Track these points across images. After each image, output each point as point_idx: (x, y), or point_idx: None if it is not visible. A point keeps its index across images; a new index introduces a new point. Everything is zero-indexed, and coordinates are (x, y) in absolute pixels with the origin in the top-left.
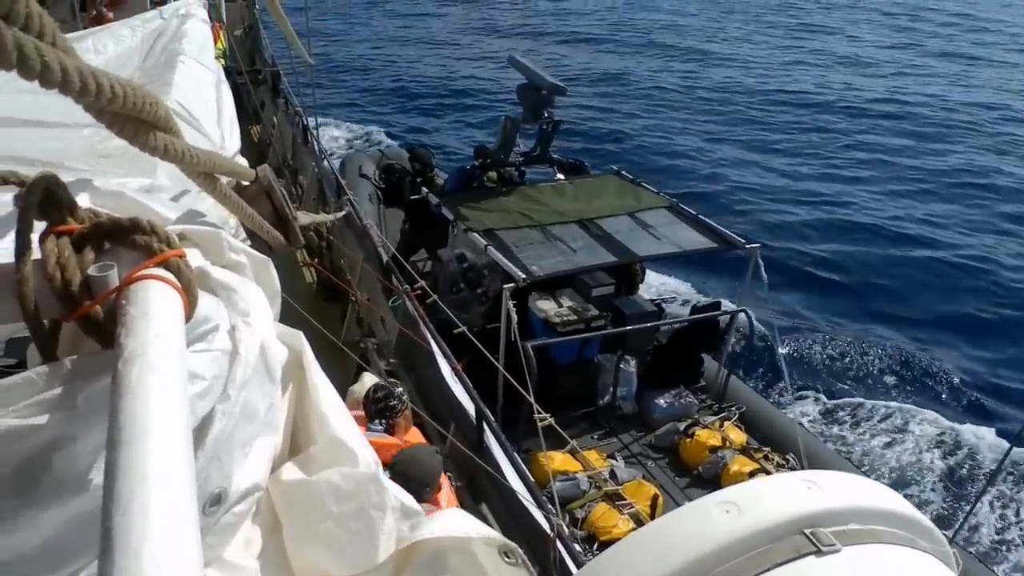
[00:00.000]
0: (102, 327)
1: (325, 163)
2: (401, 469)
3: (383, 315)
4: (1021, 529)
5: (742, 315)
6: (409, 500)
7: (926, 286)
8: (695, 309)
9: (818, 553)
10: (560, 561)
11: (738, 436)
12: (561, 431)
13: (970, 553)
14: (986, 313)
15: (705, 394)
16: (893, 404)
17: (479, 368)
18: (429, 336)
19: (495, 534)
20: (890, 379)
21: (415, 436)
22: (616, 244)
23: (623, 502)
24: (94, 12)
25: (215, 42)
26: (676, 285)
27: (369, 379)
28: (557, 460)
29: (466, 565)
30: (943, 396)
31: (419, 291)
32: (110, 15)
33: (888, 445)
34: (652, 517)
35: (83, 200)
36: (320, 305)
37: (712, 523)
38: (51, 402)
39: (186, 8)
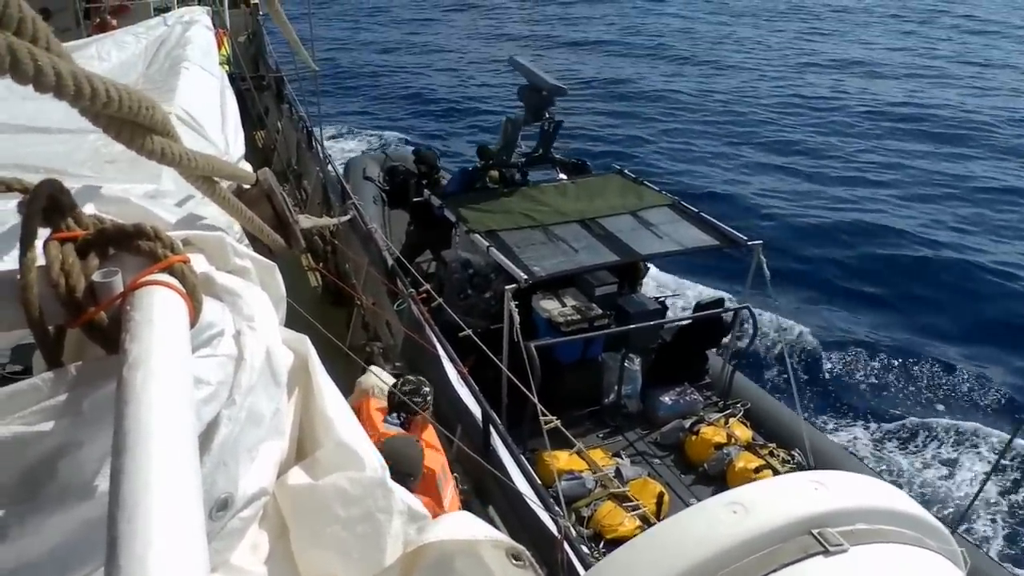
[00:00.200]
0: (107, 333)
1: (329, 168)
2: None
3: (388, 319)
4: None
5: (745, 311)
6: (416, 503)
7: (956, 290)
8: (698, 306)
9: (826, 553)
10: (568, 563)
11: (743, 432)
12: (568, 433)
13: (977, 547)
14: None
15: (710, 391)
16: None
17: (484, 369)
18: (435, 339)
19: (502, 537)
20: (919, 386)
21: (431, 437)
22: (618, 243)
23: (630, 503)
24: (98, 20)
25: (219, 48)
26: (684, 283)
27: (376, 371)
28: (562, 459)
29: (473, 568)
30: (979, 401)
31: (424, 294)
32: (114, 22)
33: (902, 446)
34: (658, 514)
35: (87, 206)
36: (325, 309)
37: (719, 524)
38: (56, 408)
39: (190, 15)
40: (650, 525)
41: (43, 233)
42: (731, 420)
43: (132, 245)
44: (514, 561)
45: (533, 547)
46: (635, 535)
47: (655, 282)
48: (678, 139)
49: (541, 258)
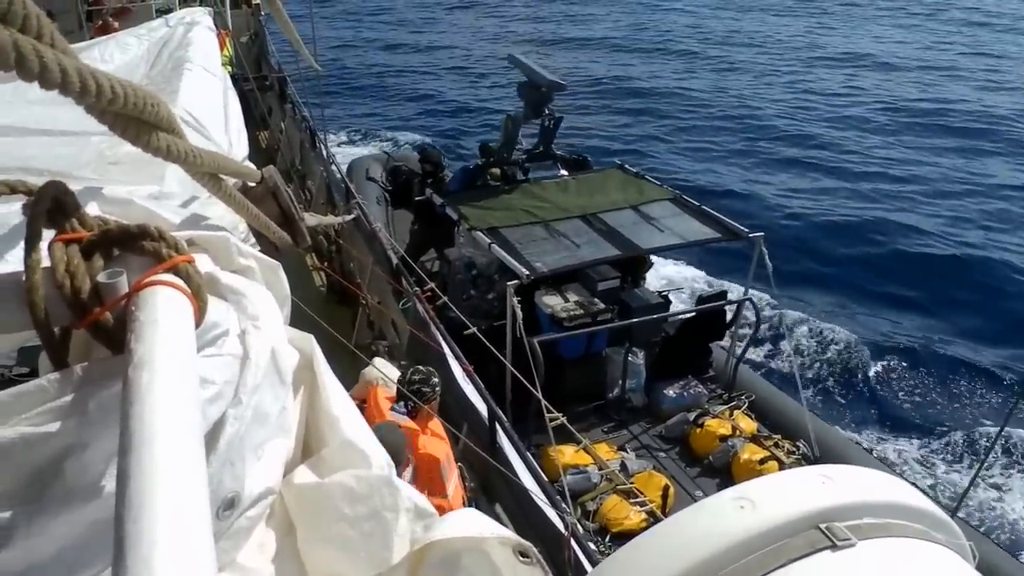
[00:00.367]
0: (112, 333)
1: (333, 167)
2: None
3: (393, 317)
4: None
5: (748, 304)
6: (422, 501)
7: (982, 288)
8: (701, 299)
9: (833, 548)
10: (575, 560)
11: (748, 424)
12: (573, 430)
13: (987, 536)
14: None
15: (714, 384)
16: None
17: (488, 366)
18: (440, 337)
19: (510, 534)
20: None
21: (437, 427)
22: (620, 237)
23: (635, 498)
24: (100, 22)
25: (221, 49)
26: (692, 273)
27: (380, 363)
28: (567, 454)
29: (481, 565)
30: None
31: (429, 293)
32: (116, 25)
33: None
34: (663, 507)
35: (92, 208)
36: (331, 308)
37: (726, 519)
38: (62, 409)
39: (191, 16)
40: (656, 518)
41: (48, 235)
42: (736, 412)
43: (136, 246)
44: (521, 558)
45: (540, 544)
46: (641, 528)
47: (664, 278)
48: (696, 137)
49: (543, 254)
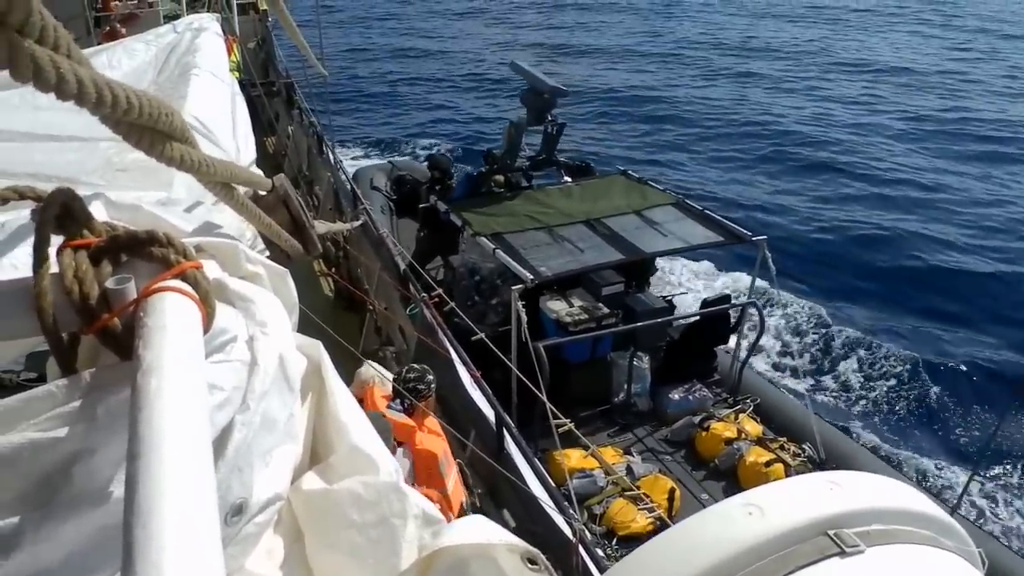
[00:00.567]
0: (120, 339)
1: (340, 173)
2: None
3: (401, 323)
4: None
5: (752, 307)
6: (430, 507)
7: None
8: (705, 303)
9: (842, 554)
10: (583, 567)
11: (753, 427)
12: (580, 435)
13: (996, 538)
14: None
15: (719, 387)
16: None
17: (494, 371)
18: (447, 343)
19: (518, 540)
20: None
21: (433, 423)
22: (623, 242)
23: (642, 501)
24: (108, 28)
25: (229, 55)
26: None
27: (374, 364)
28: (574, 458)
29: (489, 572)
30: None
31: (436, 299)
32: (123, 31)
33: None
34: (670, 510)
35: (100, 214)
36: (338, 315)
37: (735, 526)
38: (71, 415)
39: (199, 22)
40: (662, 521)
41: (56, 241)
42: (741, 415)
43: (145, 251)
44: (529, 565)
45: (548, 550)
46: (648, 531)
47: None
48: (717, 146)
49: (547, 259)
